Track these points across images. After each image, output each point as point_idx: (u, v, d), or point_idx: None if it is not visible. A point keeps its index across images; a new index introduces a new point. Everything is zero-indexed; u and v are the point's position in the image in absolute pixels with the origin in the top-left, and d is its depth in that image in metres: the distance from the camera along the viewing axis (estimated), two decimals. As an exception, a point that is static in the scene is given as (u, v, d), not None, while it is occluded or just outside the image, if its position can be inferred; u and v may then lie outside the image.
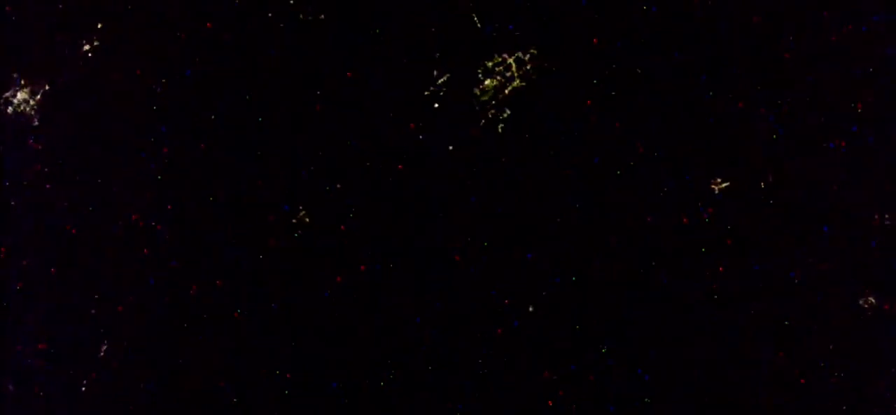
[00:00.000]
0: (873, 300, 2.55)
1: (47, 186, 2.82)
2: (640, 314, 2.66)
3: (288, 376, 2.73)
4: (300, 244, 2.74)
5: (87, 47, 2.81)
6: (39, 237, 2.82)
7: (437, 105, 2.54)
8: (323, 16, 2.50)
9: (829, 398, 2.60)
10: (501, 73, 2.57)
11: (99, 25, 2.81)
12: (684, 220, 2.65)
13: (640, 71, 2.66)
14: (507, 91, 2.52)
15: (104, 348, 2.76)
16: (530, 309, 2.68)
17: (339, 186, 2.71)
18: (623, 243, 2.67)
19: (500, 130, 2.50)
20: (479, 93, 2.53)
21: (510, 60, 2.56)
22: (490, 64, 2.58)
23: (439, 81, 2.51)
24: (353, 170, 2.68)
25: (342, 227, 2.73)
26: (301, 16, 2.52)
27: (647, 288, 2.66)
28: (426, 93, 2.53)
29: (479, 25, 2.38)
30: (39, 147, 2.82)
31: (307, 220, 2.47)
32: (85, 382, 2.77)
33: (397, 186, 2.66)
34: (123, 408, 2.76)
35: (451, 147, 2.48)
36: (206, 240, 2.76)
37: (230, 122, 2.77)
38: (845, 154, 2.61)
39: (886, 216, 2.59)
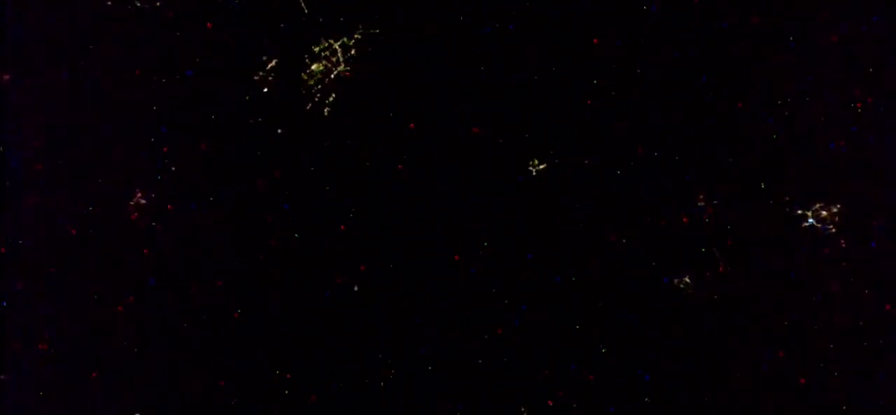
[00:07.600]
0: (688, 280, 2.56)
1: (47, 186, 2.81)
2: (640, 314, 2.65)
3: (288, 376, 2.73)
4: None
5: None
6: (39, 237, 2.82)
7: (265, 89, 2.56)
8: (159, 3, 2.54)
9: (829, 398, 2.60)
10: (328, 58, 2.60)
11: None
12: (684, 220, 2.65)
13: (639, 71, 2.66)
14: (332, 76, 2.57)
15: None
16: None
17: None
18: (623, 243, 2.67)
19: (326, 113, 2.55)
20: (306, 77, 2.58)
21: (336, 46, 2.60)
22: (317, 49, 2.62)
23: (268, 66, 2.56)
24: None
25: (342, 227, 2.73)
26: (157, 2, 2.56)
27: (647, 288, 2.66)
28: (256, 78, 2.56)
29: (306, 11, 2.41)
30: (39, 147, 2.82)
31: (159, 203, 2.51)
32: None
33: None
34: (124, 408, 2.76)
35: (279, 130, 2.53)
36: (206, 240, 2.76)
37: (230, 122, 2.77)
38: (845, 154, 2.61)
39: (885, 217, 2.59)
